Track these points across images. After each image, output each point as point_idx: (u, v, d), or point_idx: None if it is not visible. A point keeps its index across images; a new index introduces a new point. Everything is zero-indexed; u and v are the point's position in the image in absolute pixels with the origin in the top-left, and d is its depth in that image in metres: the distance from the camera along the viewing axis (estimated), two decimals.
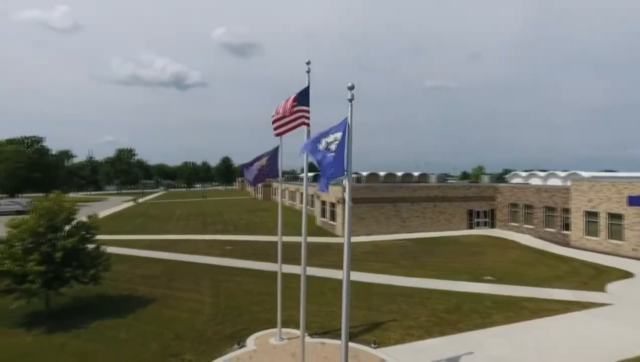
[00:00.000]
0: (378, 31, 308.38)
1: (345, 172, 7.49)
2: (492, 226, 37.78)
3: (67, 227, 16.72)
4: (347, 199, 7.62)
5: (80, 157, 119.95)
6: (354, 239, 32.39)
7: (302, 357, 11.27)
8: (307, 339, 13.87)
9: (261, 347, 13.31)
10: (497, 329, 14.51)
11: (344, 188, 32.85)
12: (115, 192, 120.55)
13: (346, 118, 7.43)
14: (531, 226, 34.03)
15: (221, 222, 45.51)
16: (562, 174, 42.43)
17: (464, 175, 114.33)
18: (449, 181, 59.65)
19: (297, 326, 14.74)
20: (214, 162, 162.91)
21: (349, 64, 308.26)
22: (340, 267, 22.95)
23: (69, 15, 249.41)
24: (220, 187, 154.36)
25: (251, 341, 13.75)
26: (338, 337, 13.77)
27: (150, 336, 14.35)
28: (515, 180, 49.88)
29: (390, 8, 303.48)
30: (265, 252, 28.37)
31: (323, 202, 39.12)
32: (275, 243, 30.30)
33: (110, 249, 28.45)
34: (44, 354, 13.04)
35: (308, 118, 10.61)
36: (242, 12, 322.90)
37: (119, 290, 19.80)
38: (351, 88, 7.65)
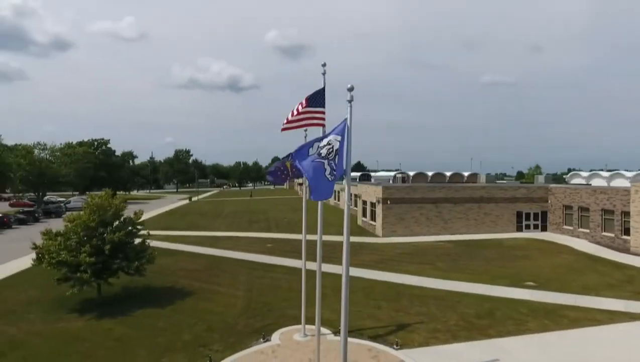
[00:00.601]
0: (431, 26, 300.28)
1: (344, 175, 7.61)
2: (544, 229, 35.64)
3: (117, 223, 18.22)
4: (345, 200, 7.75)
5: (143, 157, 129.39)
6: (394, 239, 32.10)
7: (317, 354, 11.51)
8: (330, 336, 14.15)
9: (285, 342, 13.73)
10: (529, 337, 13.85)
11: (384, 188, 32.60)
12: (174, 190, 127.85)
13: (345, 120, 7.57)
14: (586, 230, 31.70)
15: (265, 220, 46.84)
16: (629, 174, 39.03)
17: (519, 175, 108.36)
18: (500, 181, 56.94)
19: (324, 323, 15.03)
20: (265, 161, 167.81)
21: (401, 62, 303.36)
22: (374, 267, 23.15)
23: (135, 25, 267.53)
24: (270, 187, 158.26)
25: (276, 336, 14.21)
26: (361, 336, 13.92)
27: (185, 326, 15.27)
28: (575, 180, 46.67)
29: (442, 2, 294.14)
30: (301, 250, 28.86)
31: (364, 202, 39.05)
32: (314, 241, 30.94)
33: (161, 244, 30.56)
34: (92, 338, 14.33)
35: (323, 119, 10.83)
36: (293, 14, 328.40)
37: (163, 282, 21.16)
38: (350, 89, 7.78)
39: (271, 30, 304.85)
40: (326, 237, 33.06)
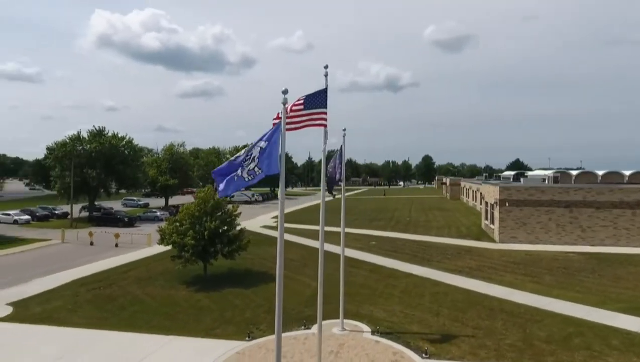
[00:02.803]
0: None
1: (266, 174, 8.02)
2: None
3: (219, 213, 21.74)
4: (322, 204, 8.23)
5: (304, 158, 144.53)
6: (512, 246, 28.59)
7: (319, 351, 11.94)
8: (367, 334, 14.26)
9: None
10: None
11: (502, 188, 29.31)
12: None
13: (278, 125, 8.03)
14: None
15: (387, 218, 46.96)
16: None
17: None
18: None
19: (370, 321, 15.21)
20: (416, 159, 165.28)
21: (581, 43, 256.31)
22: (465, 273, 21.49)
23: (303, 38, 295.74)
24: (419, 186, 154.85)
25: (316, 326, 15.01)
26: (396, 339, 13.65)
27: (252, 306, 17.45)
28: None
29: None
30: (402, 250, 28.49)
31: (486, 203, 35.56)
32: (420, 242, 30.45)
33: (285, 236, 34.11)
34: (183, 304, 17.74)
35: (325, 119, 11.16)
36: (450, 5, 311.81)
37: (260, 268, 24.08)
38: (285, 92, 8.16)
39: (429, 26, 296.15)
40: (441, 239, 31.73)
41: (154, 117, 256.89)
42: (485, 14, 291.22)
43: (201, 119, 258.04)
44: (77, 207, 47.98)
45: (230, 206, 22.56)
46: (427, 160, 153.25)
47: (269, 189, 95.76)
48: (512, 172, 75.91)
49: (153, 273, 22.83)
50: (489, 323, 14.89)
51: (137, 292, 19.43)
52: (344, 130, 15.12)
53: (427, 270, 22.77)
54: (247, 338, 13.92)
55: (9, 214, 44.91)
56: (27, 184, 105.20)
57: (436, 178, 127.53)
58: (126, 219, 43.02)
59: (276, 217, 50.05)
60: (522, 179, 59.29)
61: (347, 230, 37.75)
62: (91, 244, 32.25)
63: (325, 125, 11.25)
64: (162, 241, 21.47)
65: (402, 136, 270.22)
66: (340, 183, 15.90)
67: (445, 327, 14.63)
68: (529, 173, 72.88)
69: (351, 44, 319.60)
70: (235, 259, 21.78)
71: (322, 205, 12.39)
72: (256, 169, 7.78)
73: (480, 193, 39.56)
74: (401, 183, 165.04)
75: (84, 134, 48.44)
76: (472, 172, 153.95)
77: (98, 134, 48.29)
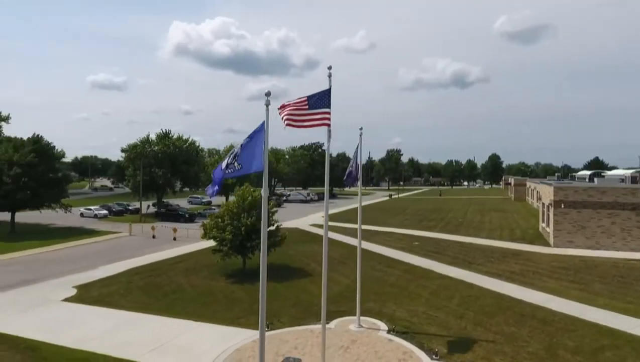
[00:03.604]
0: None
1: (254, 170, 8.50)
2: None
3: (256, 211, 22.87)
4: (325, 203, 8.73)
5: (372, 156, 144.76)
6: (568, 251, 26.55)
7: (323, 348, 12.27)
8: (382, 332, 14.34)
9: (337, 328, 14.78)
10: None
11: (557, 188, 27.32)
12: (386, 188, 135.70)
13: (263, 122, 8.50)
14: None
15: (439, 219, 45.56)
16: None
17: None
18: None
19: (390, 320, 15.25)
20: (482, 158, 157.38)
21: None
22: (505, 278, 20.59)
23: (365, 38, 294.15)
24: (485, 186, 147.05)
25: (335, 322, 15.36)
26: (412, 339, 13.62)
27: (282, 299, 18.22)
28: None
29: None
30: (444, 251, 27.71)
31: (543, 205, 33.17)
32: (466, 244, 29.97)
33: (329, 234, 34.76)
34: (219, 294, 18.97)
35: (328, 119, 11.48)
36: None
37: (299, 264, 24.88)
38: (268, 94, 8.61)
39: (500, 17, 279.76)
40: (490, 242, 30.87)
41: (224, 119, 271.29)
42: (564, 1, 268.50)
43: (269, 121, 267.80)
44: (148, 204, 52.69)
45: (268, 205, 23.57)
46: (494, 159, 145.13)
47: (332, 188, 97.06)
48: (589, 172, 69.59)
49: (199, 265, 24.58)
50: (515, 329, 14.21)
51: (181, 282, 21.13)
52: (361, 129, 15.33)
53: (464, 272, 22.03)
54: (266, 328, 14.65)
55: (90, 209, 50.52)
56: (112, 183, 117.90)
57: (503, 178, 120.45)
58: (187, 215, 46.37)
59: (329, 215, 50.83)
60: (596, 180, 54.34)
61: (393, 230, 37.63)
62: (153, 237, 35.31)
63: (328, 125, 11.59)
64: (204, 236, 23.07)
65: (468, 134, 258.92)
66: (356, 181, 16.03)
67: (465, 331, 14.24)
68: (608, 173, 66.26)
69: (415, 41, 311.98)
70: (268, 254, 22.72)
71: (326, 203, 12.67)
72: (236, 164, 8.35)
73: (538, 194, 36.99)
74: (465, 183, 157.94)
75: (152, 137, 52.95)
76: (547, 171, 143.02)
77: (164, 137, 52.50)
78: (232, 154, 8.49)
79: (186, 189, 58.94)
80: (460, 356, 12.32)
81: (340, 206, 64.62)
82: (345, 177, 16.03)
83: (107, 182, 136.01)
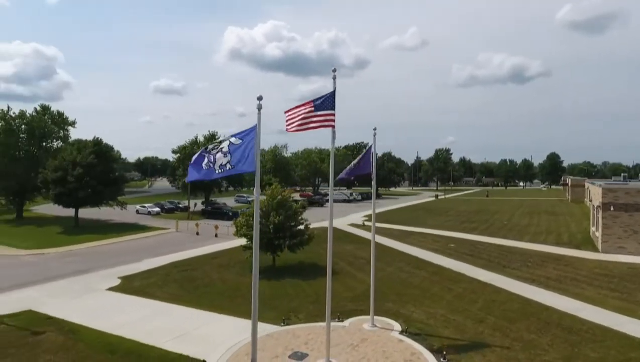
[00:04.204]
0: None
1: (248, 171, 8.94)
2: None
3: (284, 210, 23.57)
4: (330, 202, 9.17)
5: (412, 157, 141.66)
6: (617, 257, 24.70)
7: (327, 345, 12.53)
8: (394, 333, 14.37)
9: (350, 326, 14.98)
10: None
11: (606, 189, 25.47)
12: (434, 188, 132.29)
13: (255, 125, 8.92)
14: None
15: (482, 221, 43.85)
16: None
17: None
18: None
19: (406, 321, 15.23)
20: (539, 158, 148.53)
21: None
22: (539, 283, 19.76)
23: (417, 35, 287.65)
24: (542, 187, 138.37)
25: (350, 320, 15.56)
26: (424, 341, 13.58)
27: (302, 296, 18.72)
28: None
29: None
30: (479, 254, 26.82)
31: (593, 207, 30.91)
32: (504, 247, 29.51)
33: (362, 233, 34.97)
34: (243, 289, 19.69)
35: (333, 120, 11.73)
36: None
37: (323, 263, 25.23)
38: (260, 98, 9.00)
39: (563, 6, 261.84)
40: (531, 245, 29.87)
41: (275, 120, 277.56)
42: None
43: None
44: (195, 202, 55.58)
45: (295, 204, 24.20)
46: (553, 158, 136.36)
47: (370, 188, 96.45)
48: None
49: (233, 261, 25.72)
50: (535, 337, 13.63)
51: (214, 276, 22.31)
52: (375, 129, 15.38)
53: (495, 276, 21.27)
54: (282, 323, 15.21)
55: (144, 207, 54.25)
56: (170, 182, 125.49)
57: (564, 178, 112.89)
58: (230, 213, 48.35)
59: (368, 216, 50.66)
60: None
61: (431, 231, 36.91)
62: (197, 234, 37.31)
63: (333, 127, 11.85)
64: (236, 233, 24.14)
65: (525, 132, 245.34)
66: (347, 180, 16.10)
67: (481, 335, 13.89)
68: None
69: (469, 36, 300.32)
70: (295, 252, 23.34)
71: (331, 202, 12.93)
72: (227, 165, 8.87)
73: (589, 195, 34.54)
74: (521, 184, 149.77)
75: (200, 138, 55.76)
76: (615, 171, 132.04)
77: (211, 138, 55.12)
78: (218, 151, 8.94)
79: (231, 188, 61.37)
80: (470, 360, 12.09)
81: (382, 206, 64.04)
82: (342, 174, 15.82)
83: (165, 181, 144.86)
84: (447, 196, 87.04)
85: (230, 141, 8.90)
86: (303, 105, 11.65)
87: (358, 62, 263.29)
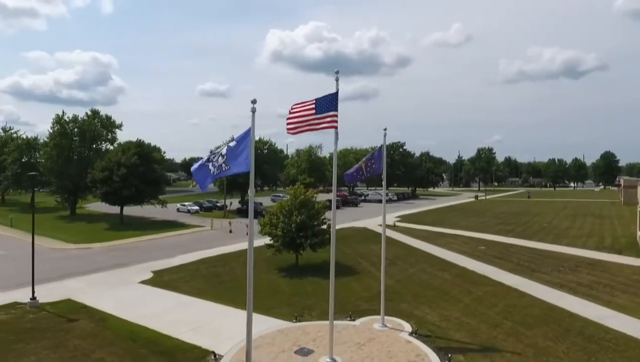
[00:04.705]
0: None
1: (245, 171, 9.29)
2: None
3: (306, 210, 23.97)
4: (333, 201, 9.55)
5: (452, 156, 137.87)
6: None
7: (330, 342, 12.71)
8: (404, 333, 14.35)
9: (361, 326, 15.09)
10: None
11: None
12: (476, 189, 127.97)
13: (249, 128, 9.28)
14: None
15: (519, 223, 42.07)
16: None
17: None
18: None
19: (418, 322, 15.15)
20: (592, 157, 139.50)
21: None
22: (569, 289, 19.14)
23: (461, 30, 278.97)
24: (594, 188, 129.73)
25: (361, 320, 15.67)
26: (432, 343, 13.52)
27: (319, 294, 18.97)
28: None
29: None
30: (509, 258, 25.90)
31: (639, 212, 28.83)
32: (538, 251, 28.79)
33: (393, 235, 34.64)
34: (266, 286, 20.41)
35: (335, 122, 11.88)
36: None
37: (352, 263, 25.38)
38: (254, 102, 9.32)
39: None
40: (567, 249, 28.96)
41: None
42: None
43: (358, 121, 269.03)
44: (231, 201, 57.42)
45: (317, 204, 24.52)
46: (607, 157, 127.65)
47: (407, 188, 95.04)
48: None
49: (259, 259, 26.32)
50: (551, 344, 13.12)
51: (238, 273, 23.09)
52: (385, 130, 15.36)
53: (522, 280, 20.50)
54: (294, 320, 15.60)
55: (184, 205, 56.76)
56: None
57: (619, 179, 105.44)
58: (264, 212, 49.43)
59: (401, 216, 50.12)
60: None
61: (463, 233, 36.03)
62: (230, 231, 38.62)
63: (336, 128, 12.03)
64: (261, 231, 24.84)
65: (577, 130, 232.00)
66: (357, 180, 16.06)
67: (494, 340, 13.55)
68: None
69: (517, 29, 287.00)
70: (316, 251, 23.66)
71: (334, 202, 13.09)
72: (223, 165, 9.32)
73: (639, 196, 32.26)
74: (572, 185, 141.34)
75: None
76: None
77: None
78: (218, 155, 9.46)
79: (266, 187, 62.73)
80: None
81: (417, 207, 63.05)
82: (351, 175, 15.64)
83: None
84: (487, 197, 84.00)
85: (228, 145, 9.39)
86: (304, 107, 11.89)
87: (399, 60, 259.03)
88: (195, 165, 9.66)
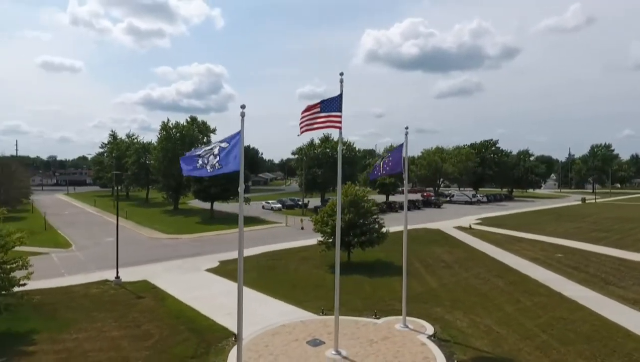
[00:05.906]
0: None
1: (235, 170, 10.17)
2: None
3: (357, 208, 24.40)
4: (337, 201, 10.46)
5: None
6: None
7: (336, 334, 13.05)
8: (421, 336, 14.23)
9: (382, 324, 15.21)
10: None
11: None
12: (590, 190, 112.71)
13: (239, 131, 10.12)
14: None
15: (621, 231, 36.59)
16: None
17: None
18: None
19: (442, 326, 14.80)
20: None
21: None
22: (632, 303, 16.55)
23: (580, 12, 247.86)
24: None
25: (385, 319, 15.72)
26: (448, 348, 13.29)
27: (357, 290, 19.39)
28: None
29: None
30: (584, 268, 23.13)
31: None
32: (623, 261, 26.62)
33: (464, 238, 33.14)
34: (309, 280, 21.26)
35: (339, 122, 12.23)
36: None
37: (399, 263, 25.09)
38: (243, 107, 10.13)
39: None
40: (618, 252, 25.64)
41: (413, 119, 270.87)
42: None
43: (458, 117, 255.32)
44: (308, 199, 59.78)
45: (367, 203, 24.73)
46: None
47: (501, 189, 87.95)
48: None
49: (314, 255, 27.58)
50: (588, 351, 11.82)
51: (290, 267, 24.51)
52: (406, 128, 15.21)
53: (588, 293, 18.33)
54: (320, 313, 16.31)
55: (269, 203, 60.69)
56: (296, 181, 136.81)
57: None
58: (318, 210, 50.70)
59: (482, 219, 47.05)
60: None
61: (545, 238, 33.16)
62: (302, 228, 40.49)
63: (340, 128, 12.47)
64: (314, 228, 25.91)
65: None
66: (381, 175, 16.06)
67: (516, 353, 12.65)
68: None
69: None
70: (364, 250, 23.90)
71: (338, 201, 13.43)
72: (217, 164, 10.39)
73: None
74: None
75: (317, 141, 59.68)
76: None
77: (325, 140, 58.44)
78: (210, 154, 10.56)
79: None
80: None
81: (507, 209, 58.34)
82: (373, 171, 16.09)
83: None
84: (597, 200, 73.81)
85: (220, 146, 10.51)
86: (310, 107, 12.57)
87: (505, 51, 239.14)
88: (187, 154, 10.94)
